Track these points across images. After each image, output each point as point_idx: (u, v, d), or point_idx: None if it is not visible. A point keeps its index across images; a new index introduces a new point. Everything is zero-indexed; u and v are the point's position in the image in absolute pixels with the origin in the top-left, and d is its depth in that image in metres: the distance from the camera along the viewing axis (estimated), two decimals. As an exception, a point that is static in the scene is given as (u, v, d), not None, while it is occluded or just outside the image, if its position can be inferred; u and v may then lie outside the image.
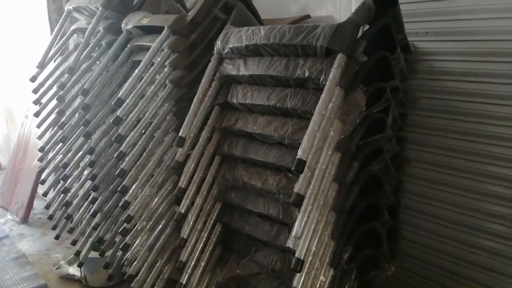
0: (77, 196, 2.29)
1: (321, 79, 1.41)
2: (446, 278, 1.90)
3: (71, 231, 2.32)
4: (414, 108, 1.89)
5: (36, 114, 2.46)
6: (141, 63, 1.87)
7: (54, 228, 2.42)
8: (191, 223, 1.70)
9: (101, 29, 2.23)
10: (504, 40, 1.63)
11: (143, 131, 1.85)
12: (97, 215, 2.12)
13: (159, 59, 1.85)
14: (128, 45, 2.14)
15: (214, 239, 1.79)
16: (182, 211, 1.69)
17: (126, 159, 1.81)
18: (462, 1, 1.72)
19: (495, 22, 1.65)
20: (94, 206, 2.13)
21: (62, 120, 2.29)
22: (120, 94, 1.83)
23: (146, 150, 1.85)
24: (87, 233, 2.22)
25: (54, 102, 2.39)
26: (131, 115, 1.81)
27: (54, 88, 2.41)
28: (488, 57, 1.69)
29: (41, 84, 2.43)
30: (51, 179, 2.48)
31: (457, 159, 1.82)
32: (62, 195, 2.36)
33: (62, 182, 2.34)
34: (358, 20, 1.40)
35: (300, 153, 1.27)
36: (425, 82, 1.87)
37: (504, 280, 1.75)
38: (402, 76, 1.77)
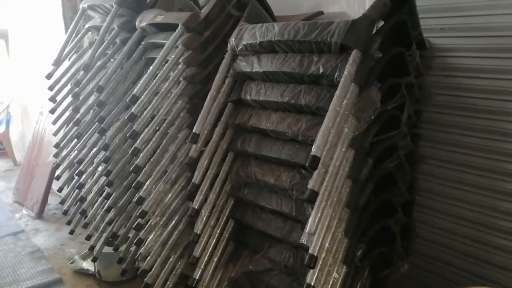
0: (92, 192, 2.31)
1: (336, 75, 1.40)
2: (461, 276, 1.88)
3: (85, 226, 2.35)
4: (429, 105, 1.88)
5: (52, 111, 2.49)
6: (156, 61, 1.88)
7: (68, 223, 2.45)
8: (204, 219, 1.71)
9: (115, 26, 2.24)
10: (521, 36, 1.61)
11: (157, 127, 1.86)
12: (111, 211, 2.15)
13: (173, 56, 1.86)
14: (142, 43, 2.15)
15: (227, 235, 1.79)
16: (196, 207, 1.70)
17: (141, 155, 1.82)
18: (478, -4, 1.70)
19: (511, 18, 1.62)
20: (108, 202, 2.15)
21: (77, 116, 2.30)
22: (134, 91, 1.84)
23: (160, 147, 1.86)
24: (101, 228, 2.25)
25: (69, 99, 2.42)
26: (145, 112, 1.82)
27: (69, 86, 2.44)
28: (504, 53, 1.66)
29: (57, 81, 2.46)
30: (65, 175, 2.51)
31: (473, 156, 1.80)
32: (76, 190, 2.39)
33: (77, 177, 2.36)
34: (373, 16, 1.39)
35: (314, 150, 1.27)
36: (440, 78, 1.85)
37: (520, 279, 1.72)
38: (417, 73, 1.75)
